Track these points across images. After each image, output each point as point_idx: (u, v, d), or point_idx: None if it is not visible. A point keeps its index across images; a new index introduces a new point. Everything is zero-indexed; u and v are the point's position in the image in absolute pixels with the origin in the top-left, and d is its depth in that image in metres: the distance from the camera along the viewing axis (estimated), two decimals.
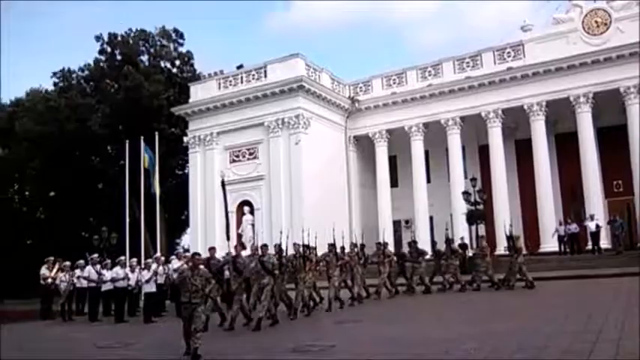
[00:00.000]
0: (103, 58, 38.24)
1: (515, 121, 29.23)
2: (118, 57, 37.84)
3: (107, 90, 36.05)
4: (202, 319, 8.68)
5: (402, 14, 73.78)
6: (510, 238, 18.21)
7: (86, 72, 38.37)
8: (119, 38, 38.02)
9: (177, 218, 39.17)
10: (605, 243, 24.67)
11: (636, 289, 14.35)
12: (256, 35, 79.94)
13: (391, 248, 20.47)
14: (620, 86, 25.73)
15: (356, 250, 16.79)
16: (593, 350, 7.02)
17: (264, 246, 12.30)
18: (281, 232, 14.07)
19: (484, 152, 29.67)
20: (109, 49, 38.02)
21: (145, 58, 39.00)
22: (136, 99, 34.43)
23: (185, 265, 11.56)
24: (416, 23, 75.85)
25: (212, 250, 13.72)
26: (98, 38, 37.93)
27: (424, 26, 76.14)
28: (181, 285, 8.60)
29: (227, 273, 13.04)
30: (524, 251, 18.46)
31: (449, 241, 19.73)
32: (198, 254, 9.32)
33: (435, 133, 29.97)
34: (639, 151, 25.29)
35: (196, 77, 36.97)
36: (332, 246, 15.42)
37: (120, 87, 35.57)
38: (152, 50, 39.13)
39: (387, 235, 25.82)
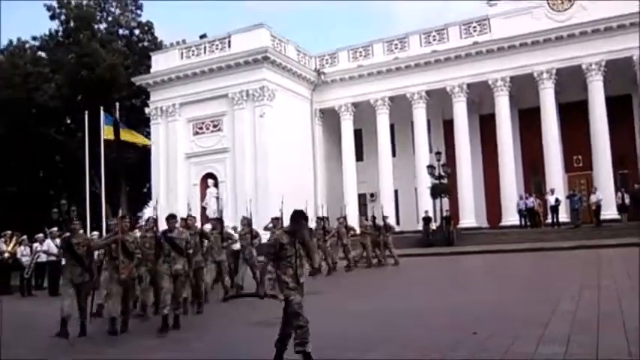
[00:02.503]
0: (55, 25, 36.75)
1: (479, 95, 29.46)
2: (73, 25, 36.35)
3: (62, 59, 34.70)
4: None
5: None
6: (383, 219, 18.82)
7: (39, 40, 36.85)
8: (72, 4, 36.49)
9: (138, 191, 38.48)
10: (564, 217, 25.27)
11: (593, 261, 14.79)
12: (220, 5, 78.22)
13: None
14: (582, 63, 26.10)
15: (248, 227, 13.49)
16: (551, 320, 7.16)
17: (171, 217, 8.96)
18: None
19: (449, 127, 29.87)
20: (62, 17, 36.50)
21: (102, 26, 37.71)
22: (93, 67, 33.26)
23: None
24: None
25: (73, 225, 8.95)
26: (49, 8, 36.39)
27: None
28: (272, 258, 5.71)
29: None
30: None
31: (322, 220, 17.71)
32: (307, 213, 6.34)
33: (400, 106, 30.00)
34: (599, 127, 25.89)
35: (157, 47, 35.97)
36: (218, 221, 12.69)
37: (75, 55, 34.27)
38: (110, 19, 37.84)
39: (353, 209, 26.03)
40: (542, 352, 5.61)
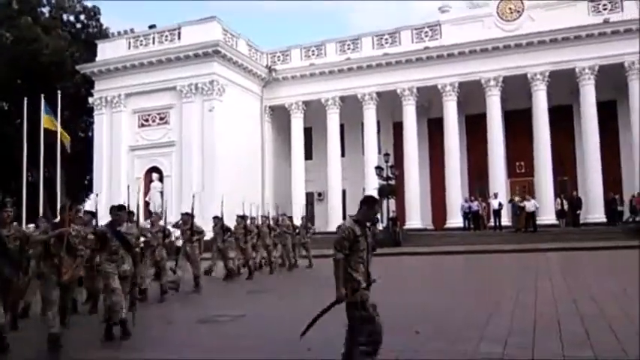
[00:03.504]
0: None
1: (428, 100, 29.87)
2: (15, 7, 34.68)
3: (2, 42, 33.09)
4: None
5: None
6: (302, 219, 18.85)
7: None
8: None
9: (79, 182, 37.11)
10: (506, 221, 25.89)
11: (532, 264, 15.16)
12: None
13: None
14: (528, 72, 26.84)
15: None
16: (490, 321, 7.22)
17: (120, 209, 7.73)
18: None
19: (398, 129, 30.16)
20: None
21: (45, 10, 36.20)
22: (35, 54, 31.82)
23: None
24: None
25: (5, 212, 7.01)
26: None
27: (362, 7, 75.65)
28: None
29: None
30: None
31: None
32: None
33: (351, 107, 30.08)
34: (541, 135, 26.69)
35: (103, 34, 34.77)
36: (131, 214, 10.10)
37: (16, 39, 32.71)
38: (53, 2, 36.34)
39: (299, 207, 25.92)
40: (481, 352, 5.62)
